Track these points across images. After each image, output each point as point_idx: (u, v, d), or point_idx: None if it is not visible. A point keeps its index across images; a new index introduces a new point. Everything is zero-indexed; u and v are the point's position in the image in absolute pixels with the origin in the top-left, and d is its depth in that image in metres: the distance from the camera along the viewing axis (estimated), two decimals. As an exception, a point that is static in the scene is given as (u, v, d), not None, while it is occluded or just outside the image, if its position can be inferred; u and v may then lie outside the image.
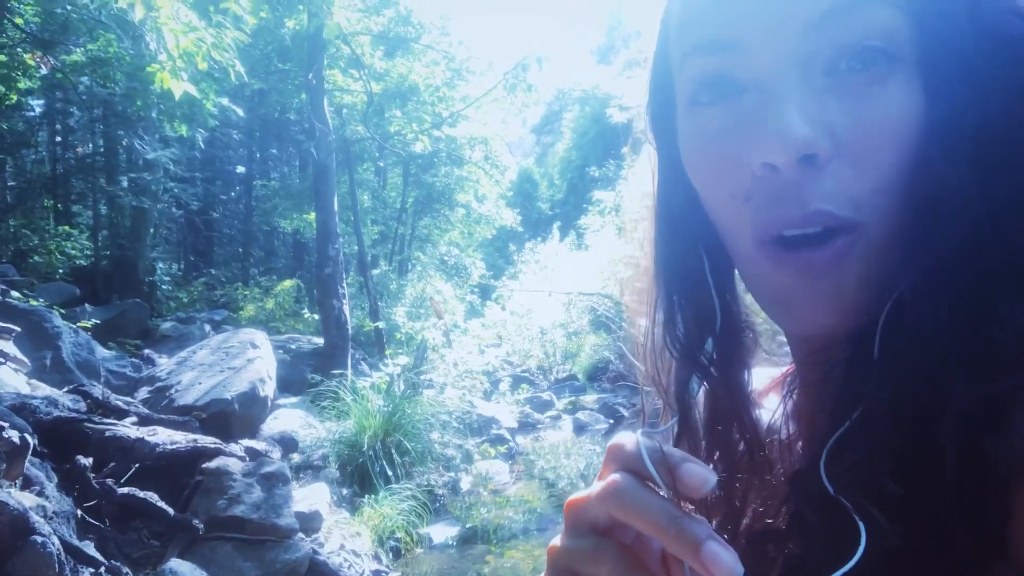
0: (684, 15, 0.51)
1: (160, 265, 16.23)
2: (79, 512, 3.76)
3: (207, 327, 12.71)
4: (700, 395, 0.59)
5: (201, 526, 4.02)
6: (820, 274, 0.46)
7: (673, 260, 0.59)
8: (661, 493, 0.39)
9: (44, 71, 9.74)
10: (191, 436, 4.53)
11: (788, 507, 0.49)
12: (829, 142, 0.44)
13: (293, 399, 9.38)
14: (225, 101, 8.36)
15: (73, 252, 15.19)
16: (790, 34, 0.45)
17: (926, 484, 0.39)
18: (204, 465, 4.34)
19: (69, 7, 7.30)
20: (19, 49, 8.92)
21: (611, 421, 12.84)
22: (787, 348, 0.60)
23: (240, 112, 8.60)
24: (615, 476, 0.40)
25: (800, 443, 0.55)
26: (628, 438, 0.42)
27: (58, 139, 17.21)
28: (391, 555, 6.38)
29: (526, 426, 12.55)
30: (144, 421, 4.64)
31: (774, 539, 0.49)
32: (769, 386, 0.64)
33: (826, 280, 0.46)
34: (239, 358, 6.08)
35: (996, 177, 0.42)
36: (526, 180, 32.50)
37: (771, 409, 0.59)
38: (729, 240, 0.52)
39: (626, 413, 12.88)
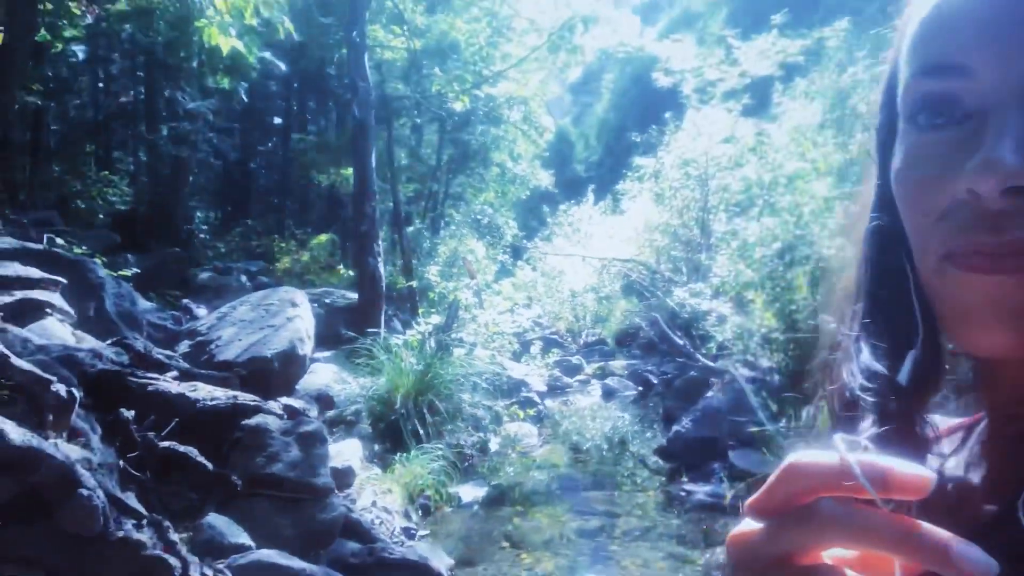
0: (916, 36, 0.51)
1: (198, 214, 16.39)
2: (122, 464, 3.85)
3: (243, 278, 12.86)
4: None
5: (239, 482, 4.09)
6: (1010, 296, 0.45)
7: (879, 273, 0.59)
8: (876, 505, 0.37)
9: (89, 19, 9.78)
10: (231, 393, 4.60)
11: None
12: None
13: (327, 353, 9.48)
14: (267, 55, 8.34)
15: (114, 198, 15.41)
16: (1021, 64, 0.44)
17: None
18: (243, 422, 4.41)
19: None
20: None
21: (640, 388, 12.84)
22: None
23: (282, 67, 8.56)
24: (818, 503, 0.37)
25: (981, 493, 0.53)
26: (811, 456, 0.38)
27: (100, 86, 17.32)
28: (420, 513, 6.48)
29: (555, 389, 12.61)
30: (184, 376, 4.71)
31: None
32: (943, 431, 0.61)
33: (1015, 302, 0.45)
34: (279, 316, 6.13)
35: None
36: (562, 140, 32.09)
37: (943, 454, 0.58)
38: (917, 257, 0.53)
39: (655, 380, 12.87)
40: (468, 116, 17.33)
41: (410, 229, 16.70)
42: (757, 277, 9.62)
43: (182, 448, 4.07)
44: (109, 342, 4.75)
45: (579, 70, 30.32)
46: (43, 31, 8.34)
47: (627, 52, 22.85)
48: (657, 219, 13.73)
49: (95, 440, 3.74)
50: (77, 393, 3.60)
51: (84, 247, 7.18)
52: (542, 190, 23.29)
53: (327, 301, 12.52)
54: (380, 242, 12.31)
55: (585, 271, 17.82)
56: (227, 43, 4.77)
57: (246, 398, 4.62)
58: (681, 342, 9.65)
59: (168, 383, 4.34)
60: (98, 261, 6.30)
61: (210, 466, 4.07)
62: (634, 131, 16.61)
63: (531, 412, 10.00)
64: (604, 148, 32.76)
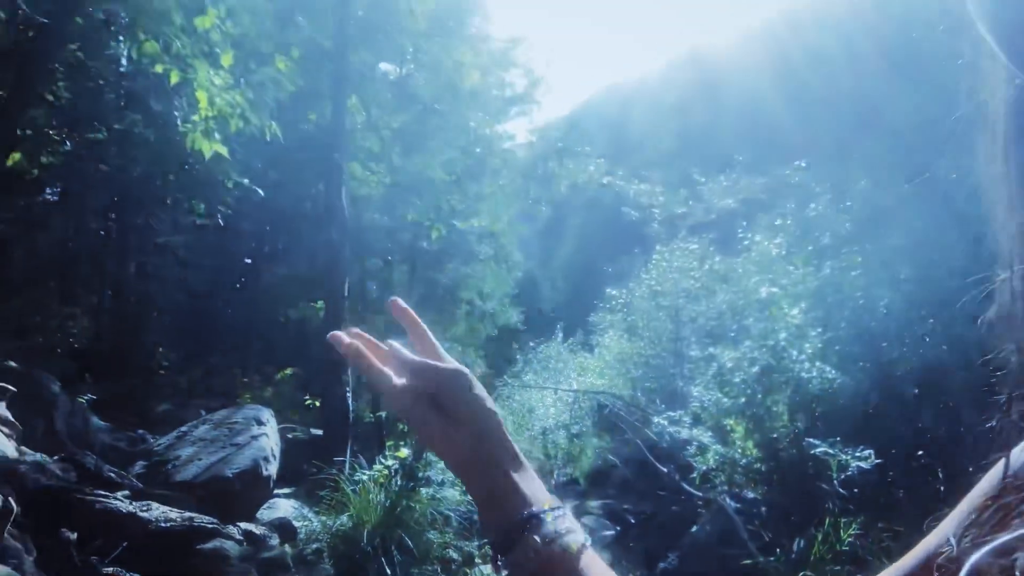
0: None
1: (161, 350, 15.98)
2: (57, 592, 3.40)
3: (203, 412, 12.37)
4: None
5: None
6: None
7: None
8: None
9: (68, 146, 9.84)
10: (187, 514, 4.18)
11: None
12: None
13: (286, 490, 8.97)
14: (246, 181, 8.40)
15: (74, 332, 14.96)
16: None
17: None
18: (199, 547, 3.98)
19: (101, 81, 7.40)
20: (45, 125, 9.07)
21: (618, 527, 12.22)
22: None
23: (260, 192, 8.60)
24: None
25: None
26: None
27: (70, 220, 17.28)
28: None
29: (530, 529, 11.93)
30: (138, 495, 4.30)
31: None
32: None
33: None
34: (243, 434, 5.75)
35: None
36: (529, 281, 32.57)
37: None
38: None
39: (633, 520, 12.27)
40: (439, 255, 17.52)
41: (379, 363, 16.38)
42: (735, 404, 9.46)
43: (128, 575, 3.63)
44: (56, 457, 4.35)
45: (547, 213, 31.25)
46: (18, 156, 8.35)
47: (597, 187, 23.71)
48: (630, 350, 13.66)
49: (28, 563, 3.32)
50: (14, 506, 3.22)
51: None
52: (511, 328, 23.29)
53: (289, 437, 12.03)
54: (350, 373, 11.99)
55: (556, 409, 17.54)
56: (210, 148, 4.74)
57: (203, 520, 4.21)
58: (664, 469, 9.29)
59: (118, 501, 3.93)
60: (54, 380, 5.93)
61: (159, 596, 3.63)
62: (603, 268, 16.89)
63: (506, 552, 9.37)
64: (572, 288, 33.26)
